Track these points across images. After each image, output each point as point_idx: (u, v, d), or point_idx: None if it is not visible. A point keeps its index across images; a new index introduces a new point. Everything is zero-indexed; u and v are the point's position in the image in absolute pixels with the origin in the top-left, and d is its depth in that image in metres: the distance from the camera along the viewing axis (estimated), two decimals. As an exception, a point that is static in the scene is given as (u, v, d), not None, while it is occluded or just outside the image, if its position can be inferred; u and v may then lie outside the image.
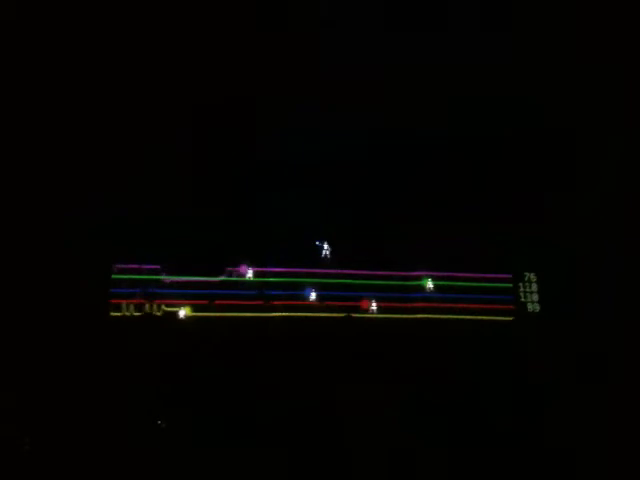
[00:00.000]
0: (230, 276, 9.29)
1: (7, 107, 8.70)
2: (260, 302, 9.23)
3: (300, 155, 9.59)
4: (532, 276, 9.78)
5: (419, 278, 9.65)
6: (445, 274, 9.66)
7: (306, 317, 9.24)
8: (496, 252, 9.76)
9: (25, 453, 7.86)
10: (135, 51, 9.11)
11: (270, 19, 9.38)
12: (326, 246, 9.64)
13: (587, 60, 9.53)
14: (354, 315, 9.35)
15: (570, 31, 9.41)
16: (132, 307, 8.90)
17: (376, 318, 9.40)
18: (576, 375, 8.96)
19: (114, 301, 8.87)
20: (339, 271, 9.52)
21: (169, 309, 9.04)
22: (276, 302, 9.25)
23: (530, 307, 9.70)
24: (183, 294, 9.11)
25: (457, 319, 9.41)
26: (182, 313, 9.05)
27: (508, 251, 9.81)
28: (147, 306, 8.95)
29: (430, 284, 9.63)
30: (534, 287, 9.77)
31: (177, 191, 9.31)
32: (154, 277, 9.09)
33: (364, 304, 9.43)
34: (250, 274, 9.35)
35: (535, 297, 9.74)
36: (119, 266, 9.00)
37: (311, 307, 9.33)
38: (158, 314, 8.97)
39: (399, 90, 9.64)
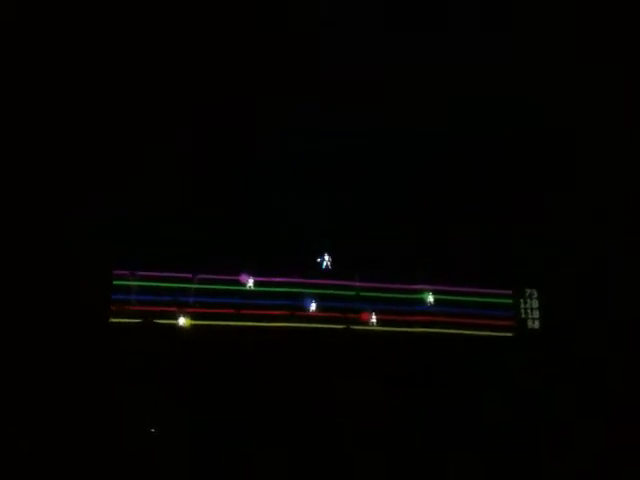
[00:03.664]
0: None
1: (7, 107, 8.69)
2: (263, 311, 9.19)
3: (300, 155, 9.57)
4: (533, 292, 9.68)
5: (419, 291, 9.58)
6: (445, 288, 9.57)
7: (305, 328, 9.16)
8: (497, 267, 9.69)
9: (23, 456, 7.84)
10: (135, 51, 9.10)
11: (270, 19, 9.39)
12: (327, 257, 9.60)
13: (587, 60, 9.53)
14: (354, 327, 9.29)
15: (570, 31, 9.41)
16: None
17: (375, 331, 9.32)
18: (576, 393, 8.88)
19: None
20: (339, 282, 9.46)
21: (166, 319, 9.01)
22: (275, 312, 9.18)
23: (530, 324, 9.61)
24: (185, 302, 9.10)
25: (456, 334, 9.31)
26: (181, 321, 9.01)
27: (509, 266, 9.73)
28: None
29: (430, 297, 9.55)
30: (535, 304, 9.67)
31: (177, 191, 9.30)
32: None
33: (364, 316, 9.36)
34: (251, 283, 9.29)
35: (536, 314, 9.63)
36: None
37: (311, 318, 9.26)
38: (157, 321, 8.93)
39: (399, 90, 9.64)
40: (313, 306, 9.31)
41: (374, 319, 9.35)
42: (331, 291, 9.39)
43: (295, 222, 9.47)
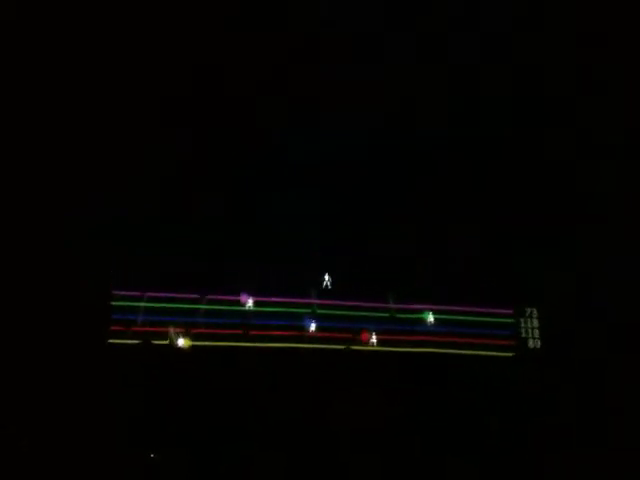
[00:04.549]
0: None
1: (7, 107, 8.68)
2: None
3: (300, 155, 9.56)
4: (534, 311, 9.61)
5: (420, 311, 9.50)
6: (446, 307, 9.48)
7: (304, 348, 9.06)
8: (498, 286, 9.60)
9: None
10: (135, 51, 9.10)
11: (270, 19, 9.39)
12: (327, 276, 9.51)
13: (587, 60, 9.53)
14: (353, 347, 9.19)
15: (570, 31, 9.42)
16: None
17: (376, 350, 9.23)
18: (576, 412, 8.85)
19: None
20: (339, 302, 9.36)
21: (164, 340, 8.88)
22: (274, 332, 9.07)
23: (531, 343, 9.54)
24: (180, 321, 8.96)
25: (457, 354, 9.22)
26: (180, 342, 8.89)
27: (510, 285, 9.65)
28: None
29: (431, 317, 9.48)
30: (535, 323, 9.59)
31: (177, 191, 9.30)
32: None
33: (364, 336, 9.27)
34: (250, 303, 9.19)
35: (536, 333, 9.56)
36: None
37: (310, 338, 9.15)
38: (156, 342, 8.82)
39: (399, 90, 9.63)
40: (313, 326, 9.22)
41: (374, 339, 9.27)
42: (330, 311, 9.30)
43: (295, 222, 9.44)
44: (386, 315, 9.38)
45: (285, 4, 9.38)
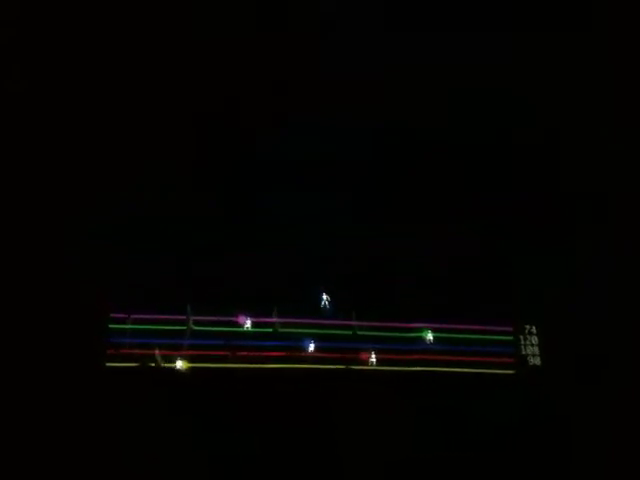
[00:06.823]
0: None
1: (7, 108, 8.73)
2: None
3: (300, 155, 9.54)
4: (533, 329, 9.51)
5: (418, 329, 9.40)
6: (444, 325, 9.36)
7: (303, 369, 8.92)
8: (497, 303, 9.49)
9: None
10: (135, 51, 9.12)
11: (270, 19, 9.40)
12: (325, 296, 9.40)
13: (588, 60, 9.49)
14: (353, 367, 9.07)
15: (570, 31, 9.38)
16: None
17: (375, 370, 9.11)
18: (579, 429, 8.75)
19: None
20: (338, 321, 9.24)
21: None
22: (272, 353, 8.94)
23: (531, 360, 9.44)
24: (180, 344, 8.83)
25: (456, 372, 9.10)
26: (179, 364, 8.74)
27: (509, 302, 9.56)
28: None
29: (430, 335, 9.37)
30: (535, 340, 9.49)
31: (177, 191, 9.31)
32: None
33: (364, 356, 9.16)
34: (249, 324, 9.09)
35: (536, 350, 9.44)
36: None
37: (309, 359, 9.02)
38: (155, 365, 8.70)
39: (399, 90, 9.62)
40: (312, 347, 9.10)
41: (374, 358, 9.17)
42: (329, 331, 9.17)
43: (295, 222, 9.44)
44: (389, 335, 9.29)
45: (285, 4, 9.37)
